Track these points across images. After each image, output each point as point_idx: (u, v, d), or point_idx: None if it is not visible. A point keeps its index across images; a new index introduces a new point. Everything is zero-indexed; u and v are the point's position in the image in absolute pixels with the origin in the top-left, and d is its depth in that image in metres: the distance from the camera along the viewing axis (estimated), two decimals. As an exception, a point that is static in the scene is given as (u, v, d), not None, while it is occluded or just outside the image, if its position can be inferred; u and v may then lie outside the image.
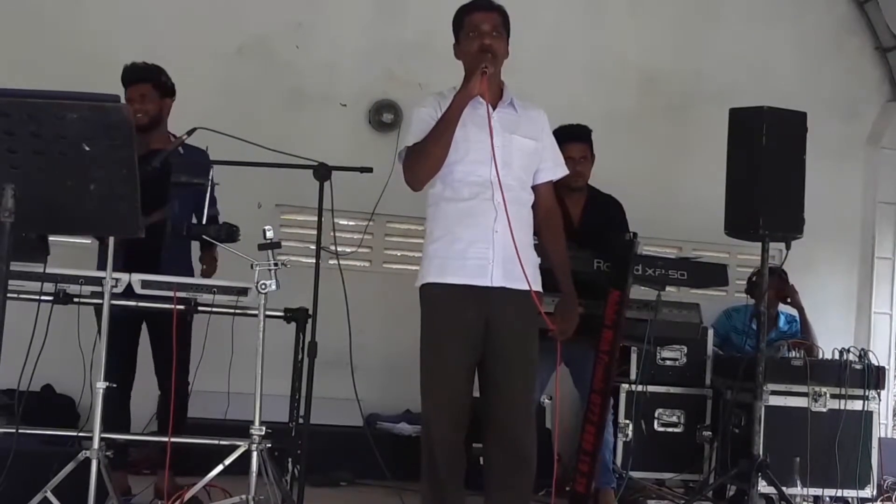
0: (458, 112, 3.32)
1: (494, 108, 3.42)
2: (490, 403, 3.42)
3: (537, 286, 3.43)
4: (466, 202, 3.38)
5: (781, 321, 6.14)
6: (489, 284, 3.35)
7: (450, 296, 3.37)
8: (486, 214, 3.35)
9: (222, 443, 3.85)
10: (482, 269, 3.35)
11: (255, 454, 3.71)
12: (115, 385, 3.66)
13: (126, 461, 4.41)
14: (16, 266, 2.50)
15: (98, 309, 4.02)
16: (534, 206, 3.53)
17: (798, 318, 6.08)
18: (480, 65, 3.29)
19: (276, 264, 3.68)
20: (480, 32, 3.41)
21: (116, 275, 3.69)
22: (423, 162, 3.37)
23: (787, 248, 4.62)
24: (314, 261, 3.81)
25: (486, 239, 3.35)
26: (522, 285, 3.32)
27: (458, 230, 3.39)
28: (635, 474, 5.09)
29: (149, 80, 4.39)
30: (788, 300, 6.04)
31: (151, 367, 4.43)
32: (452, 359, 3.38)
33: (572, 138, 4.66)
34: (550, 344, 3.53)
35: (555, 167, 3.59)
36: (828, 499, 5.23)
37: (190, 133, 4.17)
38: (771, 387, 4.97)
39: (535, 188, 3.54)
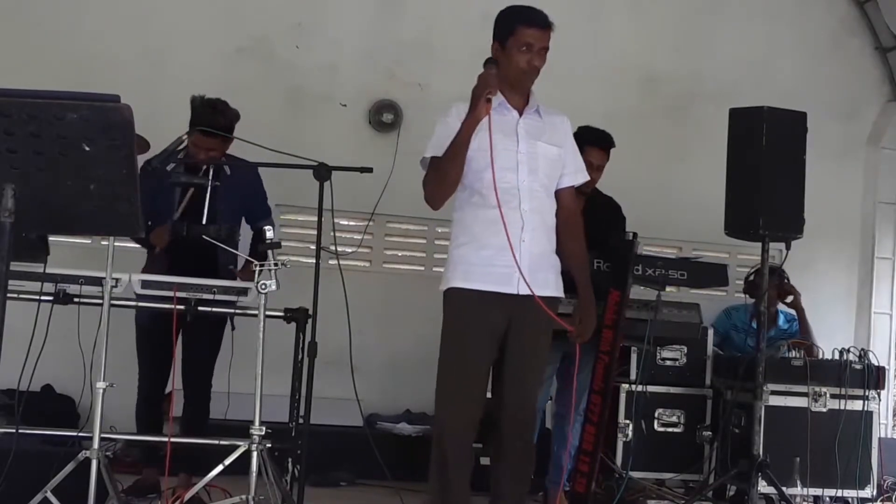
0: (468, 136, 3.35)
1: (521, 115, 3.49)
2: (503, 398, 3.47)
3: (559, 291, 3.54)
4: (494, 210, 3.38)
5: (781, 320, 6.14)
6: (515, 292, 3.41)
7: (476, 301, 3.43)
8: (513, 223, 3.39)
9: (222, 443, 3.85)
10: (508, 277, 3.40)
11: (255, 454, 3.71)
12: (113, 385, 3.68)
13: (158, 457, 4.40)
14: (16, 266, 2.50)
15: (137, 320, 4.21)
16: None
17: (797, 318, 6.08)
18: (485, 92, 3.32)
19: (276, 264, 3.68)
20: (531, 49, 3.46)
21: (116, 275, 3.69)
22: (441, 183, 3.44)
23: (787, 248, 4.62)
24: (314, 261, 3.81)
25: (513, 247, 3.38)
26: (546, 291, 3.42)
27: (487, 237, 3.43)
28: (635, 474, 5.08)
29: (218, 135, 4.27)
30: (788, 300, 6.03)
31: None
32: (474, 361, 3.44)
33: (596, 143, 4.65)
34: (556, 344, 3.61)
35: (576, 172, 3.66)
36: (828, 499, 5.22)
37: (190, 133, 4.18)
38: (771, 387, 4.97)
39: (556, 193, 3.59)
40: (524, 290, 3.39)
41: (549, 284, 3.45)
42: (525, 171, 3.40)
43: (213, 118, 4.26)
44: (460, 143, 3.36)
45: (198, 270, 4.05)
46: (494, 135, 3.36)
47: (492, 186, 3.39)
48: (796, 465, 5.04)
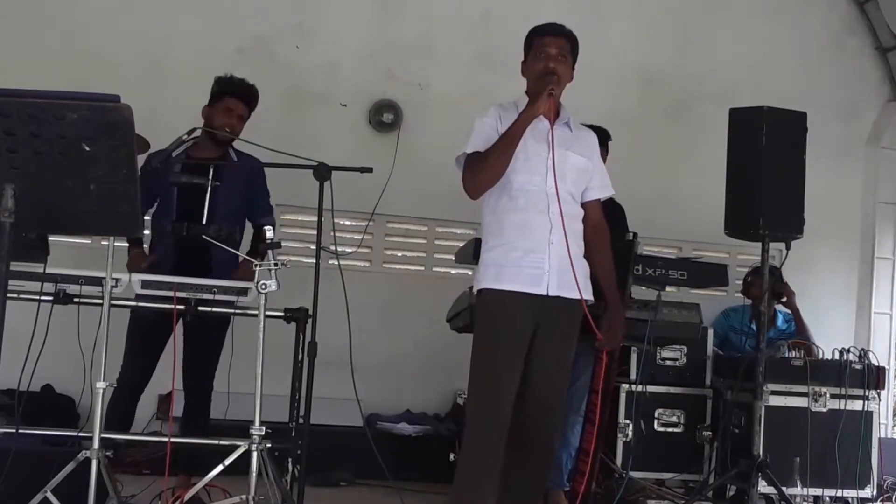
0: (522, 129, 3.45)
1: (552, 126, 3.55)
2: (527, 398, 3.49)
3: (588, 295, 3.58)
4: (522, 213, 3.51)
5: (780, 320, 6.14)
6: (545, 293, 3.47)
7: (506, 301, 3.48)
8: (541, 226, 3.48)
9: (222, 443, 3.85)
10: (537, 279, 3.47)
11: (255, 454, 3.71)
12: (122, 385, 3.69)
13: (124, 462, 4.40)
14: (16, 266, 2.50)
15: (133, 311, 4.13)
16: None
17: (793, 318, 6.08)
18: (547, 87, 3.45)
19: (276, 264, 3.68)
20: (547, 55, 3.55)
21: (116, 275, 3.69)
22: (484, 174, 3.50)
23: (787, 248, 4.61)
24: (314, 261, 3.81)
25: (541, 249, 3.48)
26: (575, 293, 3.47)
27: (515, 240, 3.51)
28: (635, 474, 5.08)
29: (249, 103, 4.43)
30: (784, 299, 6.03)
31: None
32: (506, 363, 3.46)
33: None
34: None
35: (602, 187, 3.74)
36: (828, 499, 5.22)
37: (189, 133, 4.18)
38: (771, 387, 4.96)
39: (583, 205, 3.67)
40: (553, 292, 3.47)
41: (577, 286, 3.49)
42: (553, 177, 3.47)
43: (249, 86, 4.43)
44: (513, 135, 3.45)
45: (196, 272, 4.04)
46: (527, 140, 3.47)
47: (521, 190, 3.50)
48: (796, 465, 5.04)
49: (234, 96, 4.39)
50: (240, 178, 4.39)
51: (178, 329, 4.00)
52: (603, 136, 4.74)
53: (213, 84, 4.45)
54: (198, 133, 4.24)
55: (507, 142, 3.45)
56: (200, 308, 3.88)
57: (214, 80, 4.46)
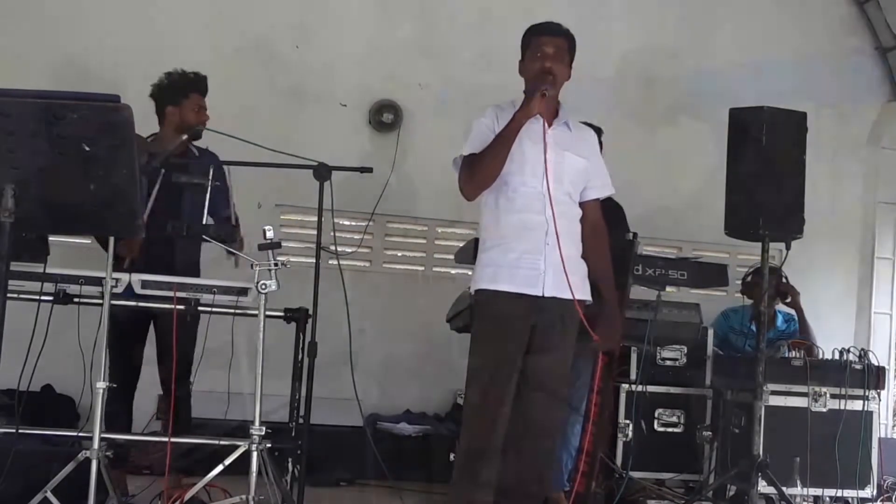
0: (516, 130, 3.44)
1: (550, 126, 3.55)
2: (525, 399, 3.49)
3: (586, 295, 3.58)
4: (519, 214, 3.51)
5: (779, 320, 6.13)
6: (541, 294, 3.47)
7: (502, 301, 3.49)
8: (538, 227, 3.48)
9: (222, 443, 3.85)
10: (534, 279, 3.48)
11: (255, 454, 3.71)
12: (115, 385, 3.67)
13: (126, 461, 4.40)
14: (16, 266, 2.50)
15: (111, 309, 4.08)
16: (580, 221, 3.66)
17: (796, 318, 6.08)
18: (541, 86, 3.44)
19: (276, 264, 3.68)
20: (544, 55, 3.55)
21: (116, 275, 3.69)
22: (479, 174, 3.50)
23: (787, 248, 4.61)
24: (314, 261, 3.81)
25: (538, 250, 3.48)
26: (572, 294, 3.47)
27: (512, 241, 3.51)
28: (635, 474, 5.08)
29: (205, 94, 4.51)
30: (788, 300, 6.03)
31: (150, 366, 4.41)
32: (503, 362, 3.47)
33: None
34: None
35: (602, 186, 3.74)
36: (828, 499, 5.22)
37: (190, 134, 4.18)
38: (771, 387, 4.96)
39: (581, 205, 3.66)
40: (549, 293, 3.47)
41: (575, 287, 3.49)
42: (551, 178, 3.47)
43: (203, 77, 4.53)
44: (508, 136, 3.44)
45: (161, 270, 3.99)
46: (523, 142, 3.46)
47: (517, 191, 3.50)
48: (796, 465, 5.03)
49: (196, 91, 4.45)
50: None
51: (172, 327, 4.00)
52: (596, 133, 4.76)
53: (166, 83, 4.48)
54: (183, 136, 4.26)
55: (501, 143, 3.45)
56: (201, 308, 3.88)
57: (168, 78, 4.49)
